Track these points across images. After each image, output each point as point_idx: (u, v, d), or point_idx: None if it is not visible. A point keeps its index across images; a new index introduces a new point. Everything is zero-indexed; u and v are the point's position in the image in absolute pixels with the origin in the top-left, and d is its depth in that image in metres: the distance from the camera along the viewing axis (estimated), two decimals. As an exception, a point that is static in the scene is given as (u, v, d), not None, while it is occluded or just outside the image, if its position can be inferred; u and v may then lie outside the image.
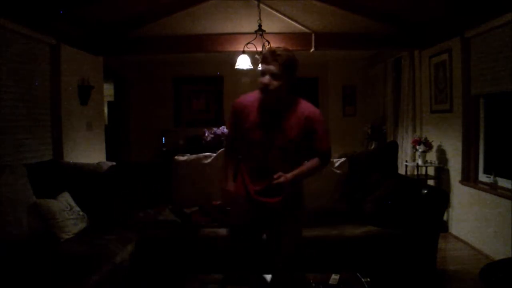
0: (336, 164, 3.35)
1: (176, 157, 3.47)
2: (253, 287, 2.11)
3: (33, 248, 2.50)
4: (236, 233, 2.33)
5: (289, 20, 4.79)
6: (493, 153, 3.88)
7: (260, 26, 4.20)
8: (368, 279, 2.08)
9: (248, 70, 4.44)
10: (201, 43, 4.90)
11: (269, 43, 4.18)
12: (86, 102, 4.53)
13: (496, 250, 3.48)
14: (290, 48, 2.29)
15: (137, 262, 2.76)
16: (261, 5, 4.39)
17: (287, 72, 2.04)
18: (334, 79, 7.15)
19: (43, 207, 2.75)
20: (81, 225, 2.94)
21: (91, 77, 4.58)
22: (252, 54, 4.35)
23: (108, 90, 6.72)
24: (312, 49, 4.87)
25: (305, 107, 2.14)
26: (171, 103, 7.39)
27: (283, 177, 2.02)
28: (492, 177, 3.71)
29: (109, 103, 7.25)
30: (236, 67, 4.38)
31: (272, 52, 2.04)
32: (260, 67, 2.14)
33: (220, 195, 2.39)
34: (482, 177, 3.92)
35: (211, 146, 4.20)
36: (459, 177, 4.16)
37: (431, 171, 4.73)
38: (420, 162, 4.56)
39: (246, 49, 4.24)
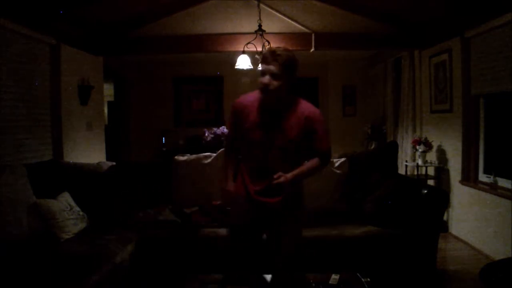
0: (336, 164, 3.35)
1: (176, 157, 3.47)
2: (253, 287, 2.10)
3: (33, 248, 2.50)
4: (236, 233, 2.33)
5: (289, 20, 4.79)
6: (493, 153, 3.88)
7: (260, 26, 4.20)
8: (368, 279, 2.08)
9: (248, 70, 4.44)
10: (201, 43, 4.89)
11: (269, 43, 4.18)
12: (86, 102, 4.53)
13: (496, 250, 3.48)
14: (290, 48, 2.29)
15: (137, 262, 2.76)
16: (261, 5, 4.38)
17: (287, 72, 2.03)
18: (334, 79, 7.14)
19: (43, 207, 2.75)
20: (81, 225, 2.94)
21: (91, 77, 4.58)
22: (252, 54, 4.34)
23: (108, 90, 6.72)
24: (312, 49, 4.87)
25: (305, 107, 2.14)
26: (171, 103, 7.39)
27: (283, 177, 2.02)
28: (492, 177, 3.71)
29: (109, 103, 7.25)
30: (236, 67, 4.38)
31: (272, 52, 2.04)
32: (260, 67, 2.14)
33: (220, 195, 2.39)
34: (482, 177, 3.92)
35: (211, 146, 4.20)
36: (459, 177, 4.16)
37: (431, 171, 4.73)
38: (420, 162, 4.56)
39: (246, 49, 4.24)
